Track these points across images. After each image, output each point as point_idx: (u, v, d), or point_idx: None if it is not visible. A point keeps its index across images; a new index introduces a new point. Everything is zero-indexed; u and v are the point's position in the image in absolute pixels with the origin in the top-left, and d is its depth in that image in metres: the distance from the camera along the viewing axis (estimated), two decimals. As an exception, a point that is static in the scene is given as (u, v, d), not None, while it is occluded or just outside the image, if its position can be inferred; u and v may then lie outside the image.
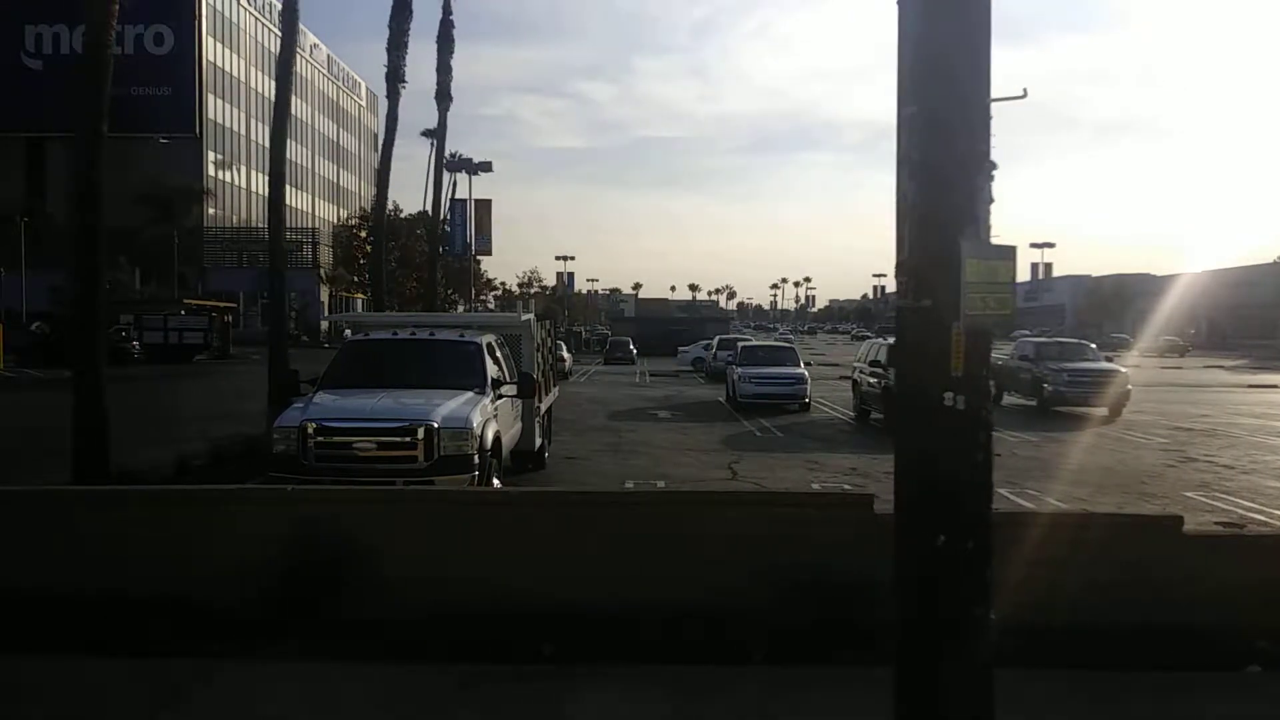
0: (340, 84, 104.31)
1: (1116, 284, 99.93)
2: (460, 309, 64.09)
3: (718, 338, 46.03)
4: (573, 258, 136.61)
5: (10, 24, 70.99)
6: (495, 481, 11.02)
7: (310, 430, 10.22)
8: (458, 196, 61.14)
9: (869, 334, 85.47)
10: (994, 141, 3.16)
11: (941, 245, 3.00)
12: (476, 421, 10.58)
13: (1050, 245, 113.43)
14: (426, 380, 11.47)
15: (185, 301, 56.44)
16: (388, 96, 30.11)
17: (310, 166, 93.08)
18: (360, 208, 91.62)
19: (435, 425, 10.22)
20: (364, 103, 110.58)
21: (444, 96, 35.30)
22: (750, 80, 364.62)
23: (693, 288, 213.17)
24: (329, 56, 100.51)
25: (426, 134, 44.12)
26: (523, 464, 14.13)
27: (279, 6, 51.91)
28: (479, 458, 10.43)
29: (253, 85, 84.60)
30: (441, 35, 35.21)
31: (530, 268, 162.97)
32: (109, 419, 11.72)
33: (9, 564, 6.62)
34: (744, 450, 17.82)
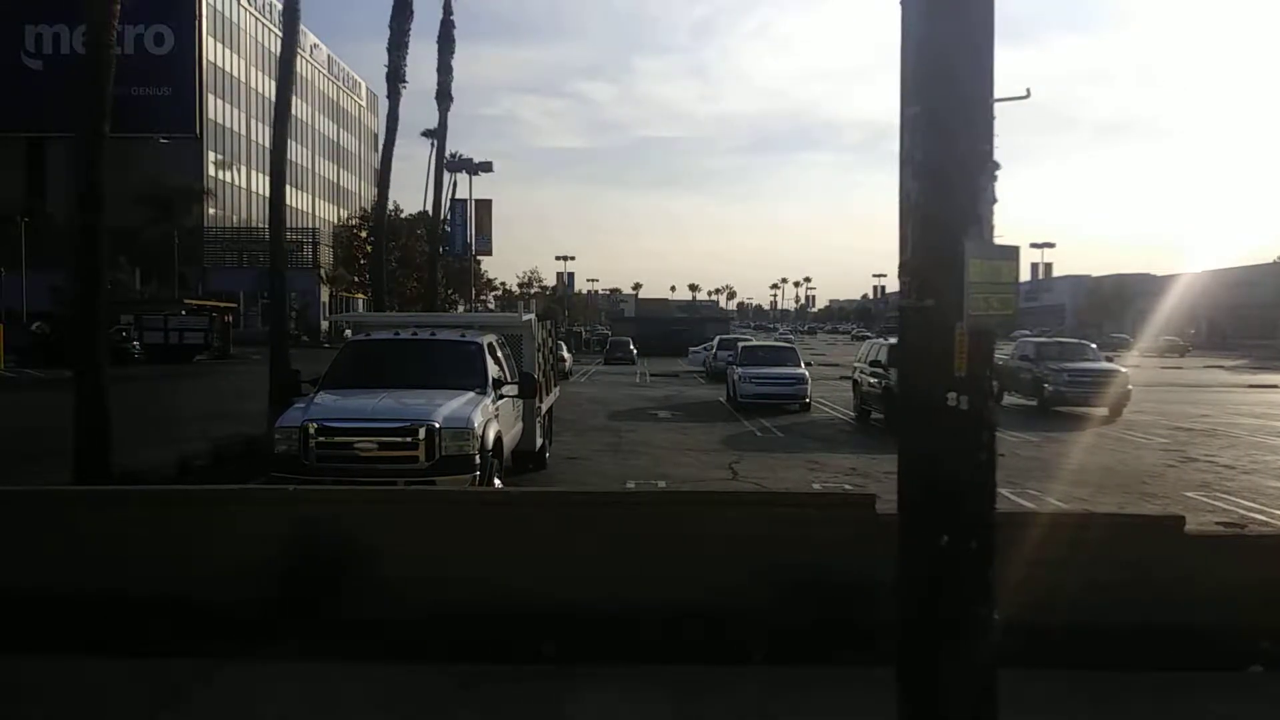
0: (340, 84, 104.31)
1: (1116, 284, 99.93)
2: (460, 309, 64.09)
3: (718, 338, 46.05)
4: (573, 258, 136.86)
5: (10, 24, 70.95)
6: (496, 481, 11.03)
7: (312, 430, 10.23)
8: (458, 196, 61.19)
9: (869, 334, 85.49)
10: (995, 142, 3.16)
11: (945, 245, 2.99)
12: (478, 421, 10.58)
13: (1050, 245, 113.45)
14: (428, 380, 11.47)
15: (185, 301, 56.45)
16: (388, 97, 30.10)
17: (310, 166, 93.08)
18: (360, 208, 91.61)
19: (437, 425, 10.23)
20: (364, 103, 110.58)
21: (444, 96, 35.28)
22: (750, 80, 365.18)
23: (693, 288, 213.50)
24: (329, 56, 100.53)
25: (427, 134, 44.11)
26: (524, 464, 14.13)
27: (279, 6, 51.87)
28: (480, 458, 10.43)
29: (253, 85, 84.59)
30: (442, 35, 35.19)
31: (530, 268, 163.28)
32: (110, 419, 11.71)
33: (9, 564, 6.62)
34: (744, 450, 17.82)
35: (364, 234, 75.32)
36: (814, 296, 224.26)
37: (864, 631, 5.76)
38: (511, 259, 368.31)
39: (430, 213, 40.87)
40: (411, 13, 30.02)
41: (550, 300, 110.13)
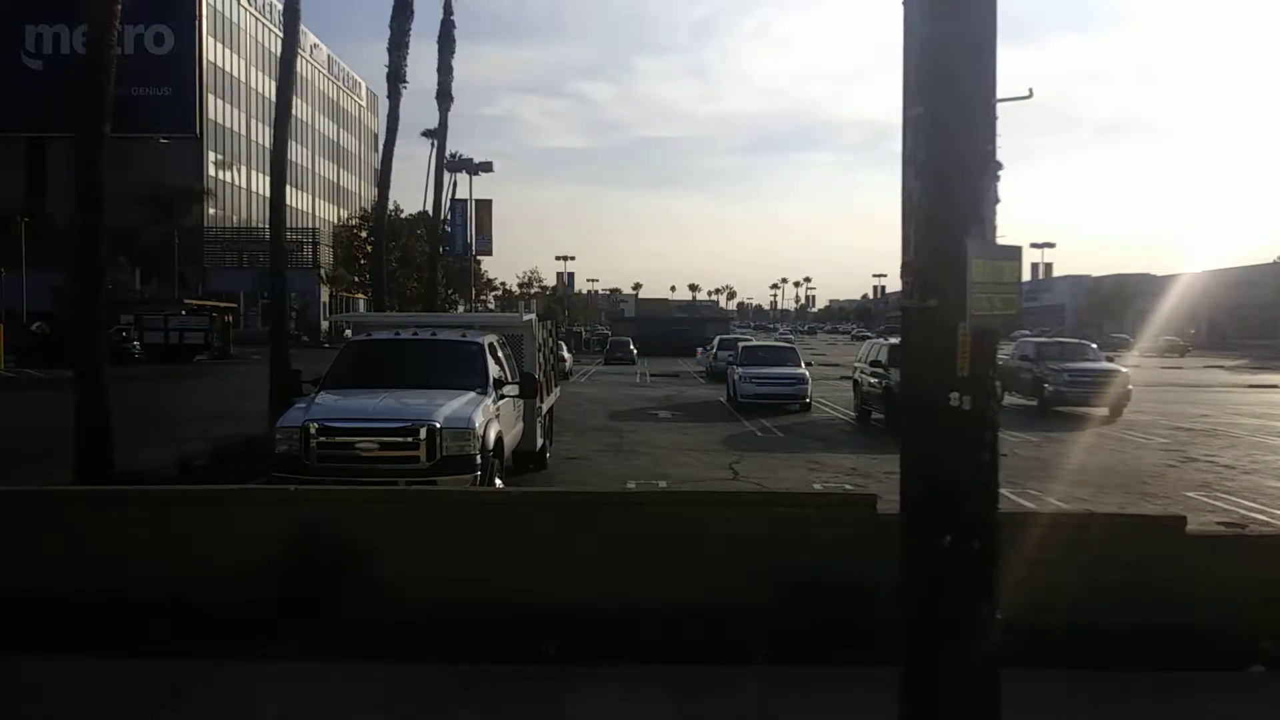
0: (340, 84, 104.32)
1: (1116, 284, 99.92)
2: (460, 309, 64.11)
3: (718, 338, 46.06)
4: (573, 258, 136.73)
5: (10, 24, 70.97)
6: (497, 481, 11.03)
7: (313, 430, 10.23)
8: (458, 196, 61.16)
9: (869, 334, 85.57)
10: (998, 142, 3.16)
11: (947, 245, 2.99)
12: (479, 421, 10.58)
13: (1050, 245, 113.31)
14: (429, 380, 11.47)
15: (186, 301, 56.46)
16: (389, 97, 30.11)
17: (310, 166, 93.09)
18: (360, 208, 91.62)
19: (438, 425, 10.22)
20: (364, 103, 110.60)
21: (445, 96, 35.30)
22: (750, 80, 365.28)
23: (693, 288, 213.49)
24: (329, 56, 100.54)
25: (427, 134, 44.09)
26: (524, 464, 14.13)
27: (279, 6, 51.86)
28: (481, 458, 10.43)
29: (253, 85, 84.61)
30: (442, 35, 35.21)
31: (530, 268, 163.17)
32: (111, 419, 11.71)
33: (9, 564, 6.61)
34: (745, 450, 17.82)
35: (364, 234, 75.31)
36: (814, 296, 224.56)
37: (865, 631, 5.76)
38: (511, 259, 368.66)
39: (430, 213, 40.89)
40: (412, 13, 30.05)
41: (550, 300, 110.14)
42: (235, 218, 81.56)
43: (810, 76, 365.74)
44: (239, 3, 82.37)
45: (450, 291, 70.63)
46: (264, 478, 10.45)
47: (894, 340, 24.09)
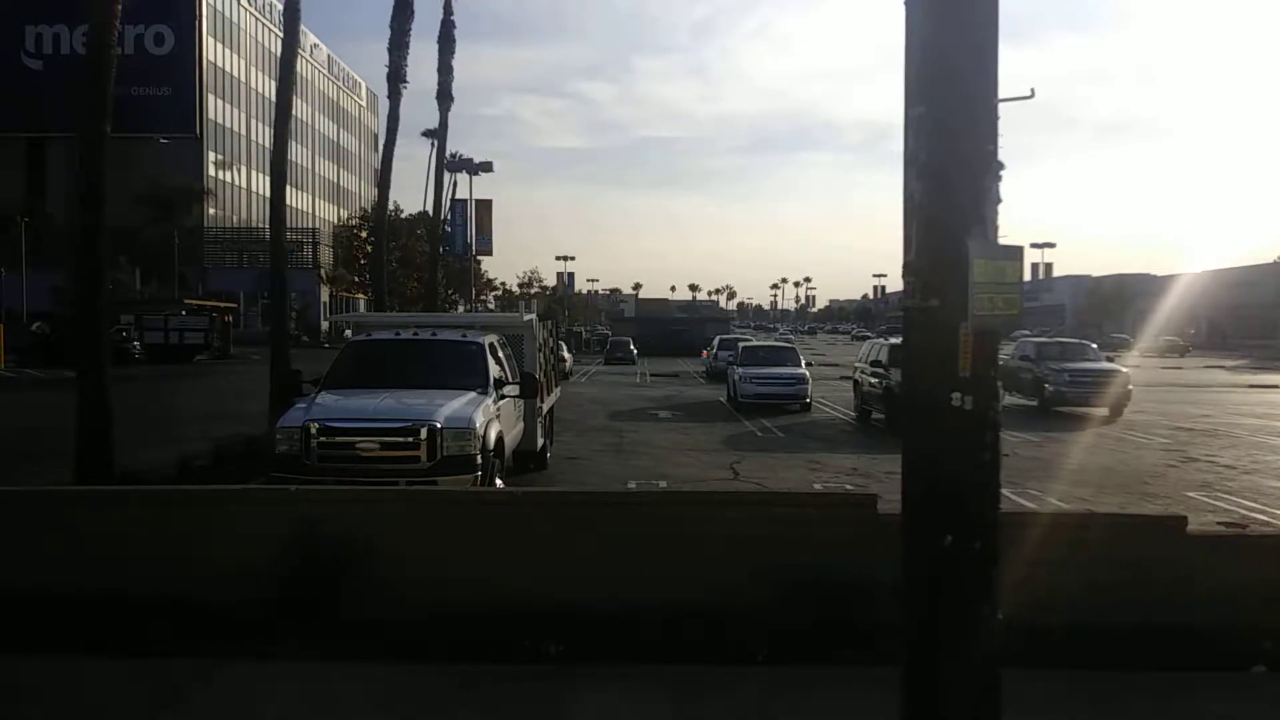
0: (340, 84, 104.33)
1: (1116, 284, 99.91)
2: (461, 309, 64.10)
3: (718, 338, 46.07)
4: (573, 258, 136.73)
5: (10, 24, 70.98)
6: (498, 481, 11.02)
7: (313, 430, 10.22)
8: (458, 197, 61.17)
9: (869, 334, 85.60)
10: (999, 142, 3.15)
11: (949, 246, 2.99)
12: (479, 422, 10.58)
13: (1050, 245, 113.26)
14: (429, 380, 11.47)
15: (186, 301, 56.46)
16: (389, 97, 30.11)
17: (310, 166, 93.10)
18: (361, 208, 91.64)
19: (438, 425, 10.22)
20: (364, 103, 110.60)
21: (445, 96, 35.30)
22: (750, 80, 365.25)
23: (693, 288, 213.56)
24: (329, 56, 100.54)
25: (427, 134, 44.14)
26: (525, 464, 14.13)
27: (279, 7, 51.81)
28: (482, 458, 10.42)
29: (253, 85, 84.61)
30: (443, 35, 35.22)
31: (530, 268, 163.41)
32: (112, 419, 11.71)
33: (9, 564, 6.62)
34: (745, 450, 17.82)
35: (364, 234, 75.35)
36: (814, 296, 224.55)
37: (865, 631, 5.76)
38: (511, 259, 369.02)
39: (430, 213, 40.89)
40: (412, 13, 30.05)
41: (550, 300, 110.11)
42: (235, 218, 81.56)
43: (810, 76, 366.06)
44: (239, 3, 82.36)
45: (450, 291, 70.64)
46: (264, 478, 10.44)
47: (894, 340, 24.10)
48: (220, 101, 79.21)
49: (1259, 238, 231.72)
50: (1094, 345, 28.75)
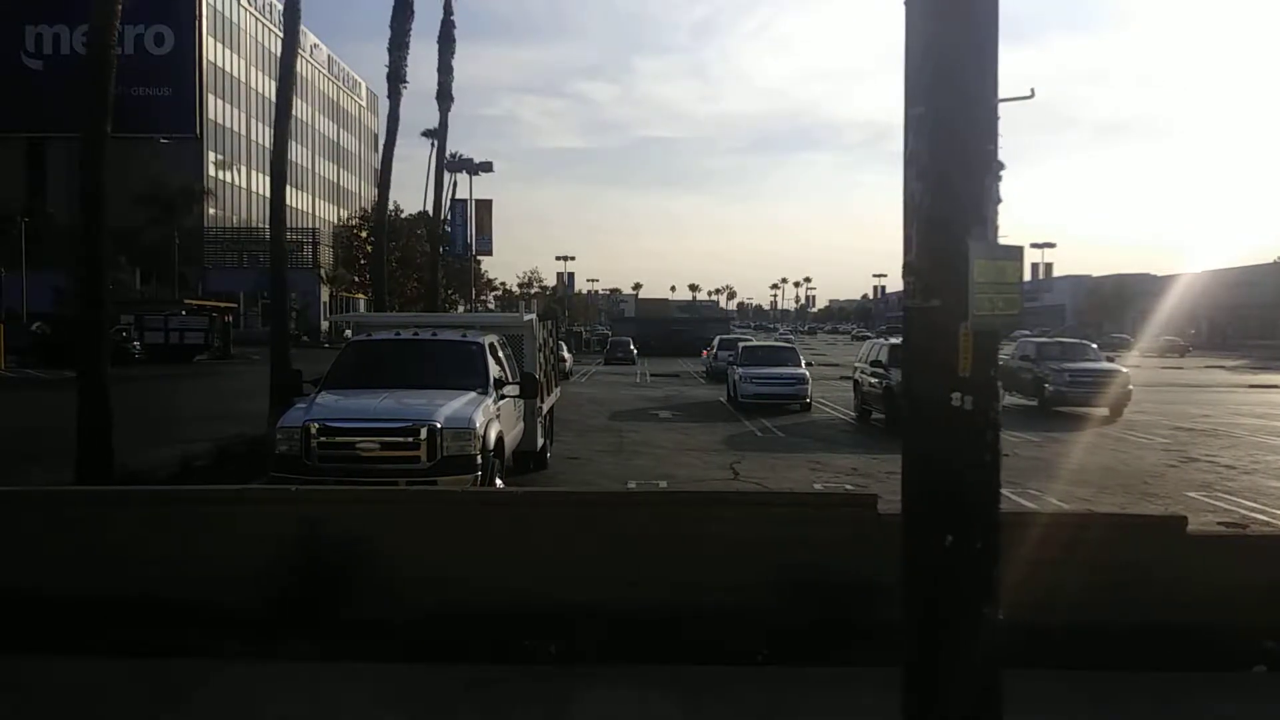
0: (340, 84, 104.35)
1: (1116, 284, 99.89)
2: (461, 309, 64.12)
3: (718, 338, 46.09)
4: (573, 258, 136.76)
5: (10, 24, 71.02)
6: (498, 482, 11.02)
7: (314, 430, 10.22)
8: (458, 197, 61.21)
9: (869, 334, 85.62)
10: (999, 142, 3.16)
11: (949, 245, 2.99)
12: (479, 422, 10.58)
13: (1050, 245, 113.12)
14: (429, 380, 11.47)
15: (186, 302, 56.45)
16: (389, 97, 30.14)
17: (310, 167, 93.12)
18: (361, 208, 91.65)
19: (438, 425, 10.22)
20: (364, 103, 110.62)
21: (445, 96, 35.32)
22: (750, 80, 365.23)
23: (693, 288, 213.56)
24: (329, 56, 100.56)
25: (427, 134, 44.21)
26: (525, 464, 14.13)
27: (279, 7, 51.81)
28: (482, 458, 10.42)
29: (253, 85, 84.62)
30: (443, 35, 35.25)
31: (530, 268, 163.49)
32: (113, 419, 11.71)
33: (9, 564, 6.61)
34: (746, 450, 17.82)
35: (364, 234, 75.34)
36: (814, 296, 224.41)
37: (866, 631, 5.76)
38: (511, 259, 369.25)
39: (430, 213, 40.91)
40: (412, 13, 30.08)
41: (550, 300, 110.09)
42: (235, 218, 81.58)
43: (810, 77, 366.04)
44: (239, 3, 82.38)
45: (450, 292, 70.66)
46: (265, 478, 10.45)
47: (894, 340, 24.11)
48: (220, 101, 79.23)
49: (1259, 238, 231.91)
50: (1094, 345, 28.76)
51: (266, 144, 73.18)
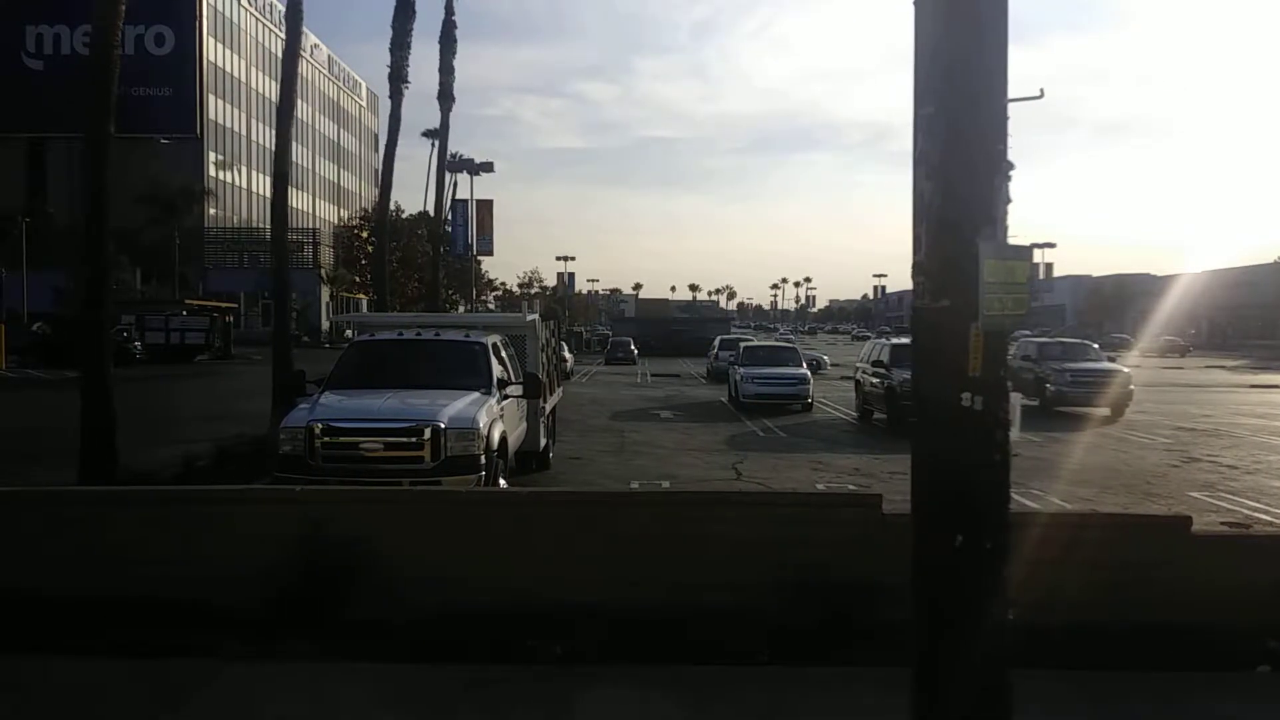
0: (341, 84, 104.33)
1: (1117, 284, 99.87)
2: (461, 309, 64.13)
3: (719, 338, 46.11)
4: (573, 258, 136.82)
5: (10, 24, 70.98)
6: (501, 482, 11.02)
7: (317, 431, 10.21)
8: (459, 197, 61.26)
9: (869, 334, 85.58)
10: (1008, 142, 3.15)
11: (959, 246, 2.99)
12: (483, 422, 10.57)
13: (1050, 245, 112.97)
14: (432, 381, 11.46)
15: (186, 302, 56.45)
16: (390, 97, 30.12)
17: (311, 167, 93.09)
18: (361, 208, 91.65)
19: (442, 426, 10.20)
20: (364, 103, 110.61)
21: (446, 97, 35.32)
22: (750, 80, 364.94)
23: (693, 288, 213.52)
24: (330, 57, 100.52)
25: (427, 134, 44.28)
26: (528, 464, 14.12)
27: (280, 7, 51.79)
28: (485, 458, 10.41)
29: (253, 86, 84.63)
30: (444, 35, 35.24)
31: (531, 268, 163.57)
32: (115, 419, 11.71)
33: (10, 564, 6.61)
34: (748, 450, 17.82)
35: (365, 234, 75.34)
36: (814, 296, 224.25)
37: (868, 631, 5.77)
38: (512, 259, 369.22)
39: (431, 213, 40.92)
40: (414, 12, 30.07)
41: (551, 300, 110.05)
42: (236, 218, 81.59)
43: (810, 77, 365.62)
44: (239, 3, 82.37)
45: (451, 292, 70.67)
46: (268, 478, 10.44)
47: (895, 340, 24.11)
48: (220, 101, 79.22)
49: (1259, 238, 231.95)
50: (1095, 345, 28.76)
51: (267, 144, 73.26)
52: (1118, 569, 6.21)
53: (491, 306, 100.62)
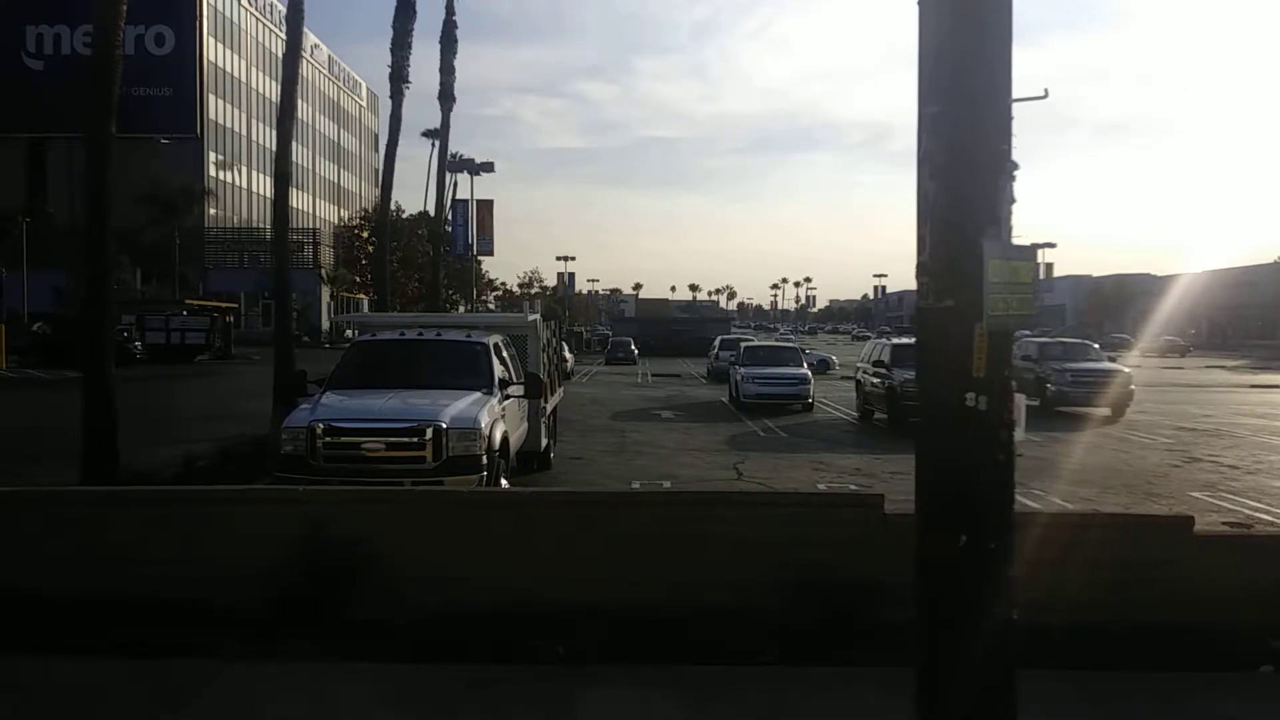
0: (341, 84, 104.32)
1: (1117, 284, 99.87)
2: (462, 309, 64.12)
3: (719, 338, 46.11)
4: (573, 258, 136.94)
5: (11, 24, 70.97)
6: (503, 482, 11.02)
7: (319, 430, 10.20)
8: (459, 197, 61.24)
9: (870, 334, 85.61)
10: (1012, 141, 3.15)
11: (964, 245, 2.98)
12: (484, 422, 10.57)
13: (1051, 245, 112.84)
14: (434, 381, 11.45)
15: (187, 302, 56.43)
16: (391, 97, 30.14)
17: (311, 167, 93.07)
18: (361, 208, 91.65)
19: (443, 426, 10.20)
20: (365, 103, 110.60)
21: (447, 97, 35.33)
22: (750, 80, 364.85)
23: (693, 288, 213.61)
24: (330, 57, 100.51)
25: (427, 134, 44.25)
26: (529, 464, 14.12)
27: (280, 7, 51.81)
28: (487, 458, 10.41)
29: (254, 86, 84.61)
30: (445, 35, 35.26)
31: (531, 268, 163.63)
32: (117, 419, 11.71)
33: (10, 564, 6.61)
34: (749, 450, 17.82)
35: (365, 234, 75.34)
36: (814, 296, 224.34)
37: (869, 631, 5.77)
38: (512, 259, 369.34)
39: (432, 213, 40.92)
40: (414, 12, 30.08)
41: (551, 300, 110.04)
42: (236, 218, 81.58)
43: (810, 76, 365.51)
44: (239, 3, 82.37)
45: (451, 292, 70.67)
46: (269, 478, 10.44)
47: (896, 340, 24.10)
48: (221, 101, 79.21)
49: (1259, 238, 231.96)
50: (1096, 345, 28.76)
51: (267, 144, 73.28)
52: (1119, 569, 6.20)
53: (492, 306, 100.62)
